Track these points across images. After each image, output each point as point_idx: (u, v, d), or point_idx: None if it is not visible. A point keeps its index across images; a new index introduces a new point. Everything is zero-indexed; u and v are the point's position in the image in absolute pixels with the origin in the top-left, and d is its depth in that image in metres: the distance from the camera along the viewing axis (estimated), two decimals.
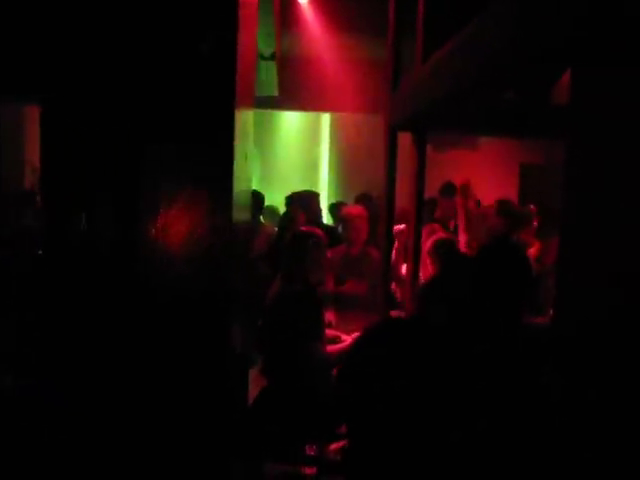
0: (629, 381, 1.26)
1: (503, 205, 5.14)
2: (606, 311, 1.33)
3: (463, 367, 1.78)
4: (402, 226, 4.27)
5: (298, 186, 7.33)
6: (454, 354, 1.77)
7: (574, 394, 1.49)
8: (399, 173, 3.96)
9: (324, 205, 7.40)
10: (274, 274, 3.84)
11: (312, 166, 9.85)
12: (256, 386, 3.26)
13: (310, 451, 2.55)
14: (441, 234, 4.84)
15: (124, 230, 2.31)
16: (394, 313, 3.81)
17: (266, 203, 6.26)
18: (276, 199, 6.94)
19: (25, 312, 2.92)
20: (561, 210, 1.58)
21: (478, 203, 6.31)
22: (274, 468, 2.60)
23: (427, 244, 4.08)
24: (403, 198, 4.15)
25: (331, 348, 3.47)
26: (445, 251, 4.02)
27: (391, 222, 4.01)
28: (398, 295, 4.42)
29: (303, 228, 3.88)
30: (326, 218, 6.98)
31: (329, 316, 4.09)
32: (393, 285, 4.36)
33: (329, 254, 4.76)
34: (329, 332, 3.75)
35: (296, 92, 7.64)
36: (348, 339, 3.63)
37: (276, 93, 6.83)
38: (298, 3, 6.96)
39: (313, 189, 7.28)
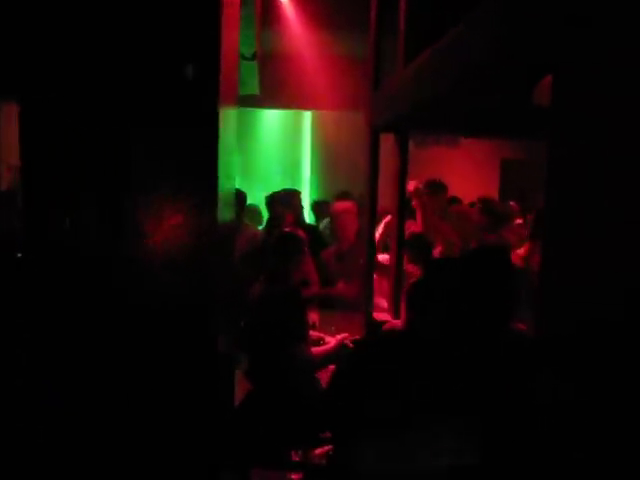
0: (613, 380, 1.27)
1: (485, 203, 5.16)
2: (589, 310, 1.34)
3: (451, 377, 1.79)
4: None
5: (279, 184, 7.31)
6: (443, 366, 1.78)
7: (559, 395, 1.50)
8: (380, 170, 3.96)
9: (306, 203, 7.39)
10: (256, 274, 3.82)
11: (293, 164, 9.83)
12: (241, 387, 3.25)
13: (295, 456, 2.54)
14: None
15: (108, 230, 2.29)
16: (378, 315, 3.81)
17: (247, 202, 6.24)
18: (257, 198, 6.91)
19: (5, 315, 2.88)
20: (544, 210, 1.60)
21: (458, 200, 6.34)
22: (260, 474, 2.60)
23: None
24: (385, 195, 4.16)
25: (315, 350, 3.46)
26: (419, 247, 4.05)
27: (373, 222, 4.01)
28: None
29: (287, 229, 3.87)
30: (308, 216, 6.97)
31: (312, 317, 4.08)
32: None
33: (323, 254, 4.77)
34: (312, 333, 3.75)
35: (277, 90, 7.61)
36: (332, 341, 3.62)
37: (257, 92, 6.80)
38: (278, 1, 6.93)
39: (295, 187, 7.25)
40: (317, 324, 4.14)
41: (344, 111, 8.13)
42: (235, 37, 2.80)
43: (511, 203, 6.16)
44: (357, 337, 3.78)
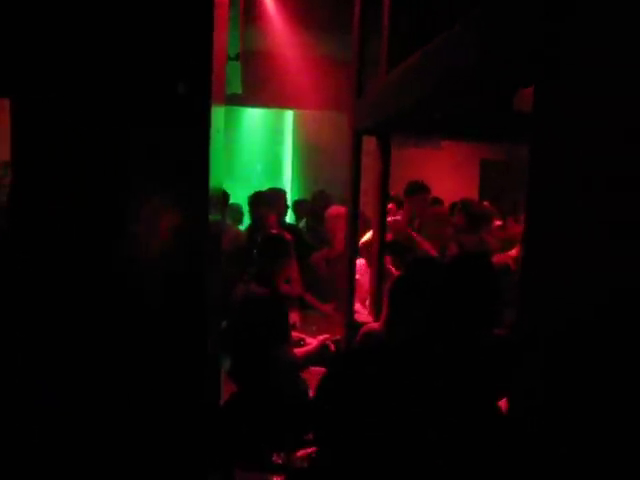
0: (593, 384, 1.30)
1: (464, 205, 5.21)
2: (570, 311, 1.37)
3: (433, 384, 1.83)
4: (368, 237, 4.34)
5: (260, 183, 7.32)
6: (425, 372, 1.82)
7: (535, 397, 1.54)
8: (363, 170, 3.98)
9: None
10: (239, 275, 3.85)
11: (274, 163, 9.83)
12: (224, 388, 3.27)
13: (277, 459, 2.57)
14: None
15: (97, 229, 2.29)
16: (358, 317, 3.85)
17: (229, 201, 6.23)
18: (238, 196, 6.91)
19: None
20: (525, 213, 1.65)
21: (440, 201, 6.39)
22: (241, 476, 2.62)
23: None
24: (367, 197, 4.19)
25: (298, 351, 3.50)
26: (399, 252, 4.09)
27: (356, 225, 4.05)
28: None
29: (274, 231, 3.90)
30: (288, 215, 6.99)
31: (293, 317, 4.11)
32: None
33: (313, 259, 4.81)
34: (293, 334, 3.78)
35: (259, 89, 7.61)
36: (313, 341, 3.66)
37: (240, 91, 6.80)
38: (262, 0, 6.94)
39: (276, 186, 7.27)
40: (298, 324, 4.17)
41: (326, 111, 8.16)
42: (224, 37, 2.81)
43: (485, 203, 6.22)
44: (338, 337, 3.82)
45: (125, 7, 2.27)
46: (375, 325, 3.67)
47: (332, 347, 3.69)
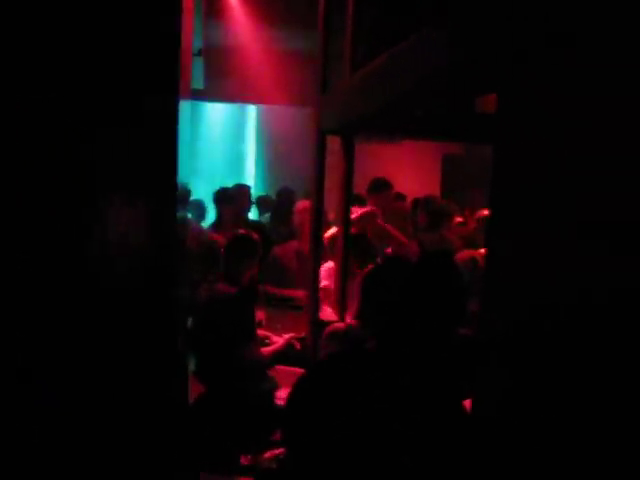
0: (557, 382, 1.34)
1: (425, 203, 5.27)
2: (532, 312, 1.41)
3: (397, 383, 1.87)
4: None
5: (223, 179, 7.27)
6: (391, 372, 1.86)
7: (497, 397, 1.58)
8: (328, 167, 3.99)
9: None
10: (203, 274, 3.85)
11: (237, 158, 9.77)
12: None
13: (245, 460, 2.58)
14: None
15: (65, 226, 2.26)
16: (323, 315, 3.88)
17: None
18: (200, 192, 6.86)
19: None
20: (488, 212, 1.69)
21: (403, 197, 6.45)
22: (208, 478, 2.62)
23: None
24: (330, 194, 4.21)
25: (265, 350, 3.52)
26: (363, 248, 4.13)
27: (320, 223, 4.07)
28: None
29: (241, 231, 3.90)
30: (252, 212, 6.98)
31: (259, 315, 4.13)
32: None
33: (278, 251, 4.82)
34: (259, 332, 3.79)
35: (222, 84, 7.56)
36: (279, 340, 3.68)
37: (202, 86, 6.75)
38: None
39: (239, 182, 7.24)
40: (264, 322, 4.19)
41: (290, 106, 8.15)
42: (189, 31, 2.79)
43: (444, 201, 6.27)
44: (304, 336, 3.85)
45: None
46: (340, 324, 3.70)
47: (298, 345, 3.71)
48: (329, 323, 3.70)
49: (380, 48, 2.74)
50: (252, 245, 3.69)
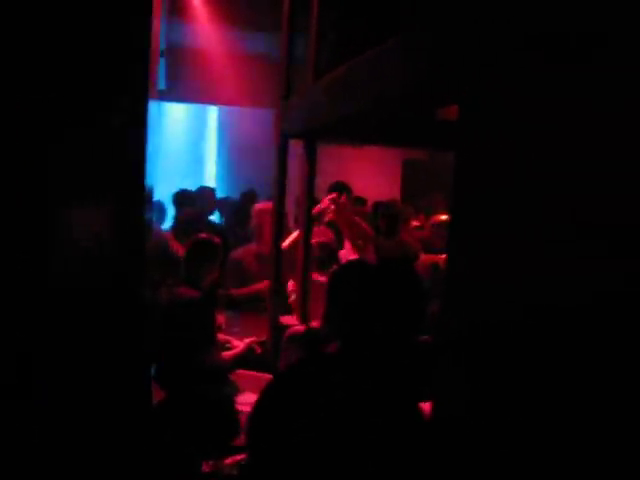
0: (514, 386, 1.36)
1: (384, 208, 5.31)
2: (492, 316, 1.44)
3: (361, 395, 1.89)
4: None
5: (182, 180, 7.21)
6: (354, 384, 1.88)
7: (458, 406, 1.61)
8: (291, 170, 4.00)
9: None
10: (163, 277, 3.82)
11: (197, 160, 9.69)
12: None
13: (206, 467, 2.58)
14: (328, 235, 4.94)
15: (33, 228, 2.22)
16: (283, 318, 3.88)
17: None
18: (158, 193, 6.76)
19: None
20: (450, 217, 1.73)
21: (363, 201, 6.48)
22: None
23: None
24: (293, 195, 4.21)
25: (225, 354, 3.51)
26: (326, 255, 4.13)
27: (281, 226, 4.08)
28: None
29: (202, 235, 3.87)
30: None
31: (219, 319, 4.11)
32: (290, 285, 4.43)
33: (238, 255, 4.78)
34: (219, 336, 3.78)
35: (184, 84, 7.51)
36: (240, 344, 3.68)
37: (163, 86, 6.70)
38: None
39: (199, 183, 7.19)
40: (223, 326, 4.17)
41: (252, 108, 8.12)
42: (157, 29, 2.77)
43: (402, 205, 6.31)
44: (264, 339, 3.85)
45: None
46: (300, 327, 3.71)
47: (258, 349, 3.72)
48: (289, 326, 3.72)
49: (345, 54, 2.77)
50: (213, 249, 3.68)
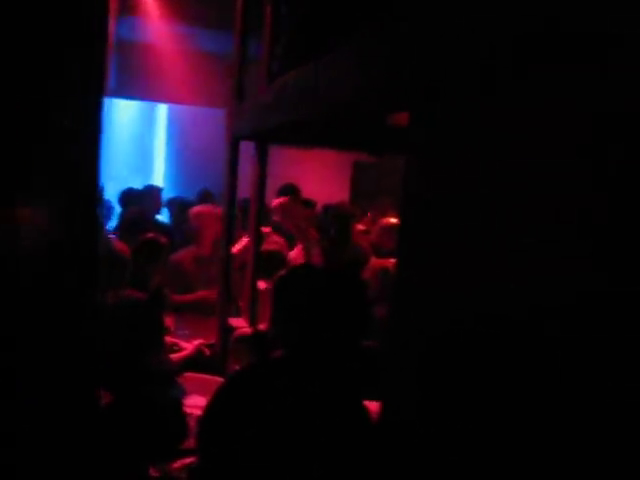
0: (465, 391, 1.39)
1: (331, 209, 5.35)
2: (442, 321, 1.46)
3: (307, 399, 1.90)
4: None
5: (129, 178, 7.11)
6: (301, 387, 1.89)
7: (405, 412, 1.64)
8: (242, 170, 4.00)
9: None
10: (109, 280, 3.76)
11: (145, 158, 9.54)
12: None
13: (154, 471, 2.55)
14: (276, 240, 4.96)
15: None
16: (232, 321, 3.87)
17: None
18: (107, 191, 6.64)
19: None
20: (400, 223, 1.75)
21: (311, 204, 6.50)
22: None
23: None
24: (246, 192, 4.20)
25: (174, 357, 3.48)
26: (272, 263, 4.14)
27: (231, 228, 4.06)
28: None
29: (150, 235, 3.83)
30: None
31: (168, 321, 4.07)
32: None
33: (177, 257, 4.72)
34: (167, 339, 3.74)
35: (132, 81, 7.40)
36: (188, 346, 3.65)
37: (112, 83, 6.59)
38: None
39: (147, 182, 7.09)
40: (172, 329, 4.13)
41: (203, 107, 8.05)
42: (112, 26, 2.73)
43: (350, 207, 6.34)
44: (213, 342, 3.83)
45: None
46: (247, 329, 3.72)
47: (207, 351, 3.70)
48: (237, 328, 3.72)
49: (297, 57, 2.78)
50: (160, 249, 3.64)
